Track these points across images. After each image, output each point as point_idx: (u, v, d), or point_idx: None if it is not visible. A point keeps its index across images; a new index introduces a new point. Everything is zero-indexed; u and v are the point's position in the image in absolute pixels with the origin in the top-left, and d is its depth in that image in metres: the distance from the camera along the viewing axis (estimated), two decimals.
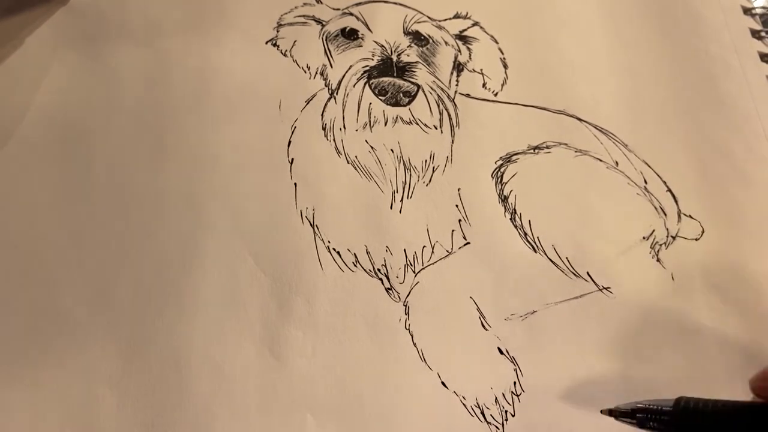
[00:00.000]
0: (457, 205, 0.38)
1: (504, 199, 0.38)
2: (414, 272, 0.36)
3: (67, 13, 0.42)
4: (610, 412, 0.29)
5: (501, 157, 0.39)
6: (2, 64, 0.39)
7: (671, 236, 0.38)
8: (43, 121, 0.38)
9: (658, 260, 0.37)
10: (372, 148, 0.39)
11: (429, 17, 0.43)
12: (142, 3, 0.42)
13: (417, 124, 0.39)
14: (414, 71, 0.41)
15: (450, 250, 0.36)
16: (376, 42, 0.42)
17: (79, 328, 0.32)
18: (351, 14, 0.43)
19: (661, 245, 0.38)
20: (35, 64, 0.40)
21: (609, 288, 0.36)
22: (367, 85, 0.40)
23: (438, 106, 0.40)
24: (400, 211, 0.37)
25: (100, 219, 0.35)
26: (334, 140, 0.39)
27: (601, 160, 0.40)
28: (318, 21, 0.43)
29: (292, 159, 0.38)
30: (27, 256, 0.34)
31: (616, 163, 0.40)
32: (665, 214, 0.39)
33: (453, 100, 0.41)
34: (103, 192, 0.36)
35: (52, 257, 0.34)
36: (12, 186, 0.36)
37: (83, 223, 0.35)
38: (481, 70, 0.42)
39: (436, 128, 0.40)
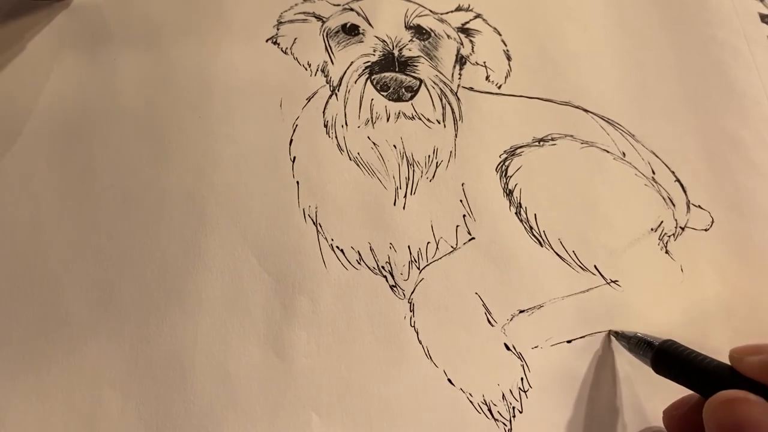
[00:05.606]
0: (461, 200, 0.37)
1: (509, 193, 0.38)
2: (418, 269, 0.35)
3: (68, 16, 0.42)
4: (617, 334, 0.34)
5: (505, 151, 0.39)
6: (5, 68, 0.39)
7: (680, 227, 0.38)
8: (46, 123, 0.38)
9: (666, 252, 0.37)
10: (374, 144, 0.38)
11: (430, 10, 0.43)
12: (142, 4, 0.42)
13: (420, 119, 0.39)
14: (416, 66, 0.40)
15: (455, 246, 0.36)
16: (377, 37, 0.41)
17: (83, 330, 0.33)
18: (351, 10, 0.42)
19: (669, 236, 0.37)
20: (38, 67, 0.40)
21: (617, 281, 0.36)
22: (368, 81, 0.39)
23: (441, 100, 0.40)
24: (404, 208, 0.37)
25: (103, 221, 0.35)
26: (336, 137, 0.38)
27: (607, 151, 0.39)
28: (318, 17, 0.42)
29: (294, 157, 0.38)
30: (30, 258, 0.34)
31: (623, 154, 0.39)
32: (674, 205, 0.38)
33: (456, 93, 0.40)
34: (105, 193, 0.36)
35: (55, 260, 0.34)
36: (15, 188, 0.36)
37: (86, 226, 0.35)
38: (484, 62, 0.42)
39: (439, 123, 0.39)
